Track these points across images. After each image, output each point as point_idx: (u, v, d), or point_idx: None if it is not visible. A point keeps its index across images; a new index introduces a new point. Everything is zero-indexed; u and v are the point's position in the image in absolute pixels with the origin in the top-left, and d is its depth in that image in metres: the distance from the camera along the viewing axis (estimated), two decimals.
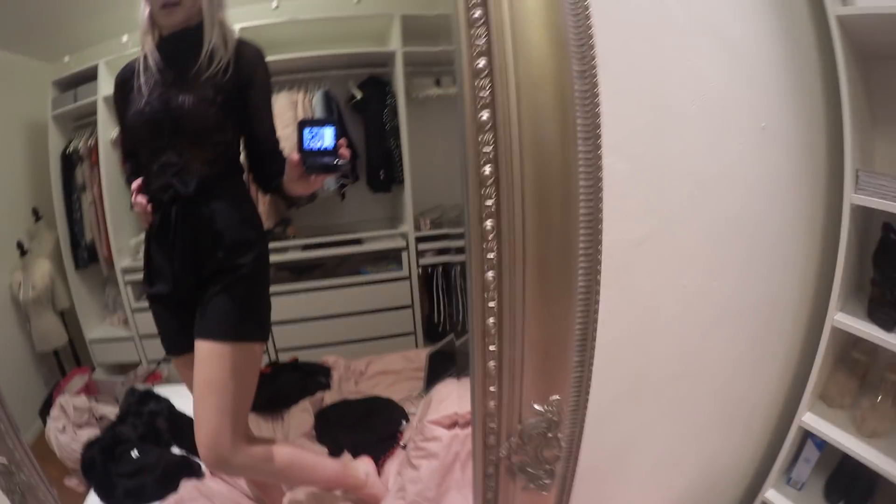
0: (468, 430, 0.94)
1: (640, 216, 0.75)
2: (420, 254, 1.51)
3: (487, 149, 0.58)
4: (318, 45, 1.45)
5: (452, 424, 1.12)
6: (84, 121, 1.71)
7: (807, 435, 1.01)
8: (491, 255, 0.61)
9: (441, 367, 1.38)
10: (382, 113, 1.48)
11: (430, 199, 1.49)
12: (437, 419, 1.13)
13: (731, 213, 0.85)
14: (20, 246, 1.51)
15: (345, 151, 0.88)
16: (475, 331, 0.65)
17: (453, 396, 1.18)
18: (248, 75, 0.97)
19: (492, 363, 0.65)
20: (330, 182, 1.37)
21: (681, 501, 1.02)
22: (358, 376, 1.45)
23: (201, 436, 0.93)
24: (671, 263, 0.81)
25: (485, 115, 0.58)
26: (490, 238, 0.60)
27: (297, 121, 1.18)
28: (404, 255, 1.50)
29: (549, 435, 0.68)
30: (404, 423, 1.32)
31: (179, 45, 0.95)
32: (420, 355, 1.43)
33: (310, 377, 1.43)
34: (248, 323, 0.97)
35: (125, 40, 1.56)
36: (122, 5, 1.48)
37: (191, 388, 0.99)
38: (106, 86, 1.61)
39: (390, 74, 1.48)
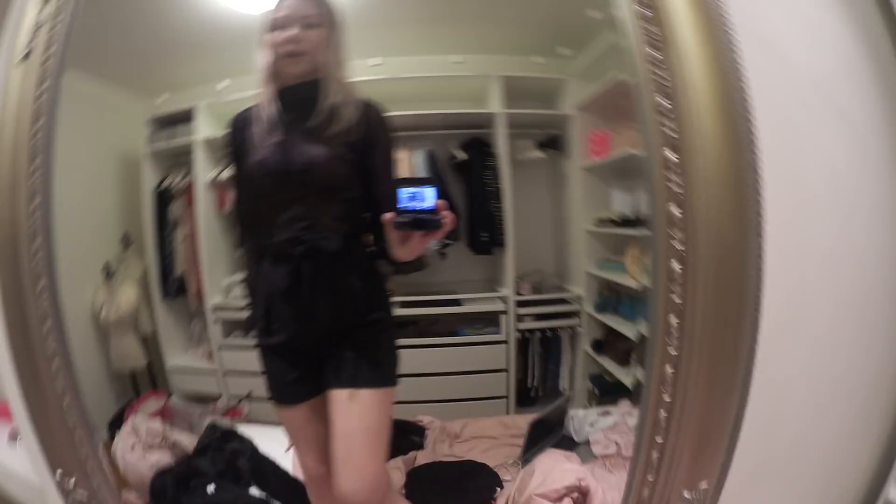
0: None
1: (785, 303, 0.80)
2: (519, 318, 1.60)
3: (677, 245, 0.68)
4: (420, 104, 1.55)
5: (560, 498, 1.18)
6: (179, 160, 1.87)
7: None
8: (672, 351, 0.69)
9: (541, 435, 1.44)
10: (484, 174, 1.59)
11: (530, 262, 1.59)
12: (545, 492, 1.19)
13: (861, 291, 0.90)
14: (107, 268, 1.66)
15: (446, 213, 0.91)
16: (647, 422, 0.74)
17: (560, 468, 1.25)
18: (374, 136, 1.05)
19: (655, 454, 0.73)
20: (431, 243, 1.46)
21: None
22: (453, 438, 1.52)
23: (365, 482, 0.99)
24: (804, 349, 0.86)
25: (675, 210, 0.68)
26: (674, 334, 0.69)
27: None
28: (503, 318, 1.60)
29: None
30: (498, 490, 1.36)
31: (299, 96, 1.04)
32: (517, 422, 1.50)
33: (404, 435, 1.50)
34: (395, 369, 1.07)
35: (223, 86, 1.72)
36: (223, 52, 1.63)
37: (296, 436, 1.11)
38: (204, 128, 1.78)
39: (492, 136, 1.57)
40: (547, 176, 1.62)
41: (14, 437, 2.07)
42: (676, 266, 0.67)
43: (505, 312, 1.60)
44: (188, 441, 1.68)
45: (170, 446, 1.66)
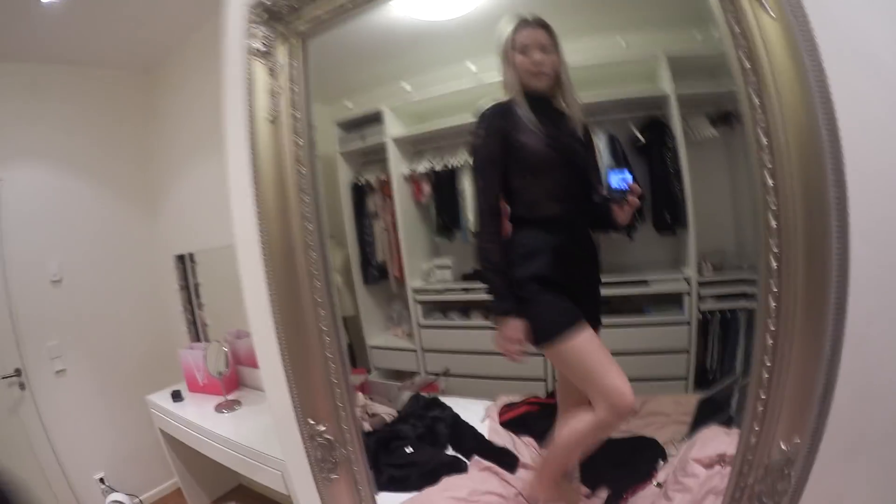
0: (725, 470, 1.28)
1: (877, 289, 1.05)
2: (700, 297, 1.80)
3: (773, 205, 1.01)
4: (593, 90, 1.77)
5: (712, 464, 1.48)
6: (371, 157, 2.34)
7: None
8: (771, 326, 1.04)
9: (708, 414, 1.69)
10: (664, 155, 1.81)
11: (712, 242, 1.78)
12: (700, 457, 1.51)
13: None
14: None
15: (635, 187, 1.43)
16: (753, 381, 1.08)
17: (719, 439, 1.52)
18: (588, 134, 1.56)
19: (760, 408, 1.07)
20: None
21: None
22: (632, 414, 1.72)
23: (629, 390, 1.41)
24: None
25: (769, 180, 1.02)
26: (773, 316, 1.03)
27: None
28: (685, 298, 1.81)
29: (785, 471, 1.07)
30: (661, 462, 1.68)
31: (539, 104, 1.51)
32: (690, 401, 1.76)
33: None
34: None
35: (408, 88, 2.14)
36: (399, 56, 2.01)
37: (599, 355, 1.47)
38: (393, 128, 2.23)
39: (668, 116, 1.79)
40: (725, 154, 1.76)
41: (225, 408, 2.86)
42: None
43: (688, 293, 1.82)
44: (387, 413, 2.14)
45: (370, 416, 2.12)
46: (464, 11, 1.86)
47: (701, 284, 1.81)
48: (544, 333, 1.50)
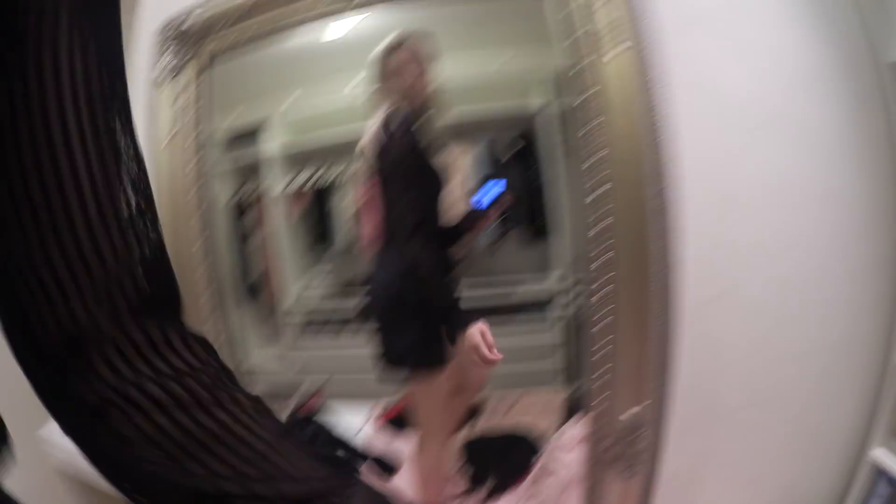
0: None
1: (713, 279, 1.26)
2: (567, 303, 1.88)
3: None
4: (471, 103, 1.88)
5: (574, 448, 1.57)
6: (247, 174, 2.35)
7: (879, 472, 1.34)
8: (608, 304, 1.22)
9: (575, 407, 1.70)
10: (535, 165, 1.90)
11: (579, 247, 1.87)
12: (563, 444, 1.65)
13: (793, 273, 1.30)
14: None
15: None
16: (589, 357, 1.24)
17: (578, 427, 1.58)
18: None
19: (598, 382, 1.25)
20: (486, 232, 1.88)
21: None
22: (503, 414, 1.94)
23: None
24: (740, 314, 1.29)
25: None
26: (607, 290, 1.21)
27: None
28: (552, 301, 1.92)
29: (637, 433, 1.23)
30: (535, 455, 1.79)
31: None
32: (557, 398, 1.87)
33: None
34: None
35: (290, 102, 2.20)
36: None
37: None
38: (269, 144, 2.26)
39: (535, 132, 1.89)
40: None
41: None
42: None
43: (557, 296, 1.93)
44: None
45: None
46: (337, 35, 1.90)
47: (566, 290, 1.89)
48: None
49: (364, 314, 1.72)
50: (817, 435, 1.42)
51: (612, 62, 1.20)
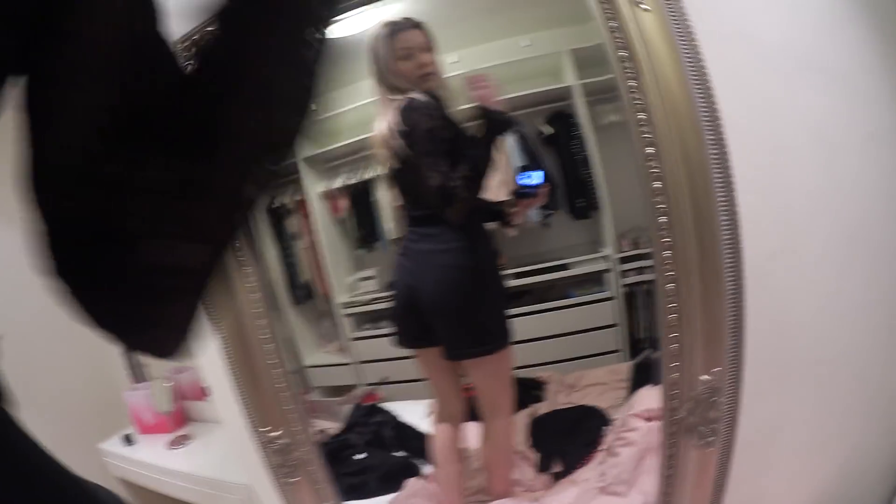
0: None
1: (771, 234, 1.23)
2: (623, 274, 1.87)
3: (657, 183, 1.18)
4: (500, 90, 1.77)
5: (650, 419, 1.57)
6: (284, 179, 2.22)
7: None
8: (667, 254, 1.18)
9: (644, 376, 1.79)
10: (572, 144, 1.89)
11: (626, 221, 1.84)
12: (638, 413, 1.62)
13: (851, 219, 1.28)
14: None
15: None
16: (662, 324, 1.20)
17: (651, 396, 1.58)
18: None
19: (673, 346, 1.21)
20: (533, 214, 1.84)
21: (830, 487, 1.42)
22: (569, 389, 1.91)
23: None
24: (803, 268, 1.26)
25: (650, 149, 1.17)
26: (667, 254, 1.17)
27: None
28: (607, 276, 1.89)
29: (713, 399, 1.20)
30: (605, 428, 1.77)
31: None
32: (622, 368, 1.88)
33: (526, 391, 1.90)
34: None
35: (313, 108, 2.33)
36: None
37: None
38: (303, 148, 2.12)
39: (572, 106, 1.86)
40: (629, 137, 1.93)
41: (178, 444, 2.83)
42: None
43: (609, 270, 1.90)
44: (331, 427, 2.16)
45: (317, 433, 2.06)
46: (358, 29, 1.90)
47: (621, 261, 1.90)
48: (503, 337, 1.65)
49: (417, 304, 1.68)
50: (880, 391, 1.41)
51: (639, 20, 1.18)
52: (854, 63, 1.26)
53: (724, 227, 1.16)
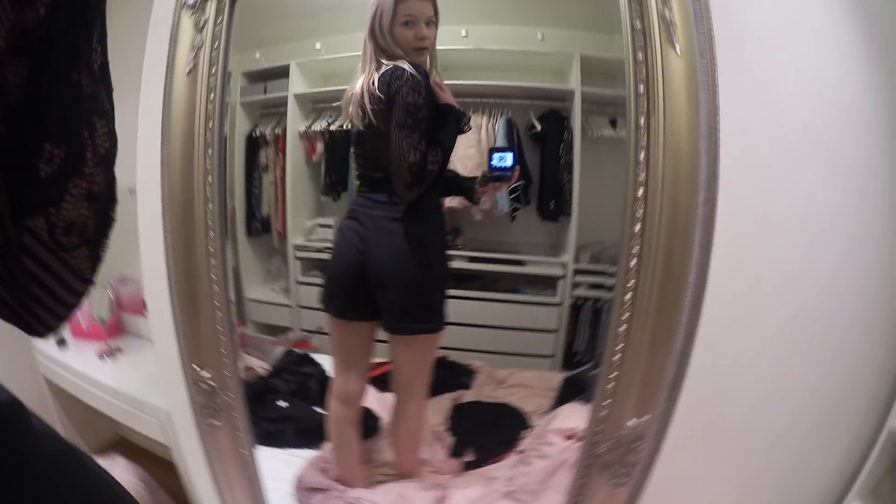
0: (579, 444, 1.38)
1: (734, 303, 1.24)
2: (575, 285, 1.88)
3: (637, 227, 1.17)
4: (503, 75, 1.85)
5: (569, 437, 1.60)
6: (271, 111, 2.30)
7: None
8: (628, 298, 1.17)
9: (571, 392, 1.81)
10: (559, 146, 1.86)
11: (592, 233, 1.85)
12: (559, 429, 1.64)
13: (816, 312, 1.30)
14: None
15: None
16: (606, 362, 1.21)
17: (578, 415, 1.58)
18: None
19: (610, 385, 1.21)
20: (503, 203, 1.85)
21: None
22: (497, 384, 1.93)
23: None
24: (754, 342, 1.28)
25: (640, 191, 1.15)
26: (627, 298, 1.17)
27: (479, 143, 1.83)
28: (560, 283, 1.89)
29: (636, 444, 1.21)
30: (524, 431, 1.80)
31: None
32: (554, 377, 1.89)
33: (454, 375, 1.94)
34: None
35: (318, 47, 2.13)
36: (314, 14, 2.03)
37: None
38: (297, 84, 2.20)
39: (569, 110, 1.84)
40: (619, 154, 1.95)
41: (108, 355, 2.79)
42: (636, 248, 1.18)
43: (563, 277, 1.91)
44: (260, 366, 2.15)
45: (244, 369, 2.06)
46: None
47: (576, 272, 1.92)
48: (442, 319, 1.66)
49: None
50: (794, 470, 1.46)
51: (668, 60, 1.14)
52: (862, 162, 1.28)
53: (692, 286, 1.16)
